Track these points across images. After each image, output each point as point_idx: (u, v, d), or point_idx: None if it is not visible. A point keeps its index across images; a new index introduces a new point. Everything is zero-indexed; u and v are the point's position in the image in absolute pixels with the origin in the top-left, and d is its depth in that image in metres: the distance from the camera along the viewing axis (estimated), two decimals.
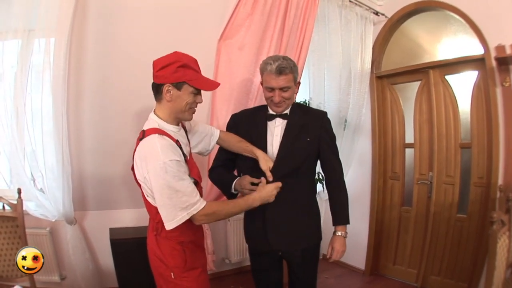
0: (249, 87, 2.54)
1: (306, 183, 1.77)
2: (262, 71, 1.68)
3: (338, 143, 1.85)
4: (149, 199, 1.41)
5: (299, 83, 1.76)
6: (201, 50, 2.54)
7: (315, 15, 2.55)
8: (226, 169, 1.82)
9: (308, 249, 1.77)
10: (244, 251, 3.25)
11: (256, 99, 2.52)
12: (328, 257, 1.74)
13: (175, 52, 1.39)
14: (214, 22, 2.52)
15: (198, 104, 1.46)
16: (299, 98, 3.16)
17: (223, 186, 1.80)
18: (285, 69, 1.60)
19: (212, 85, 1.43)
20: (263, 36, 2.47)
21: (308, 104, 3.04)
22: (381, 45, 3.30)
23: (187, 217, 1.31)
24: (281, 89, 1.63)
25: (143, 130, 1.39)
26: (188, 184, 1.31)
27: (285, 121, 1.72)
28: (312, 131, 1.71)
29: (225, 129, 1.85)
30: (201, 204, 1.33)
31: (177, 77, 1.34)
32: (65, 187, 2.28)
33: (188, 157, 1.47)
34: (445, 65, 2.84)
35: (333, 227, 1.75)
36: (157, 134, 1.32)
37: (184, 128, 1.58)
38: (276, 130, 1.72)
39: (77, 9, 2.12)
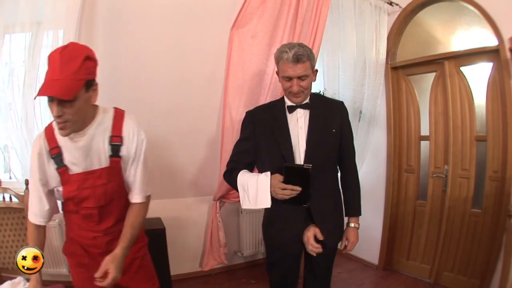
0: (262, 76, 2.48)
1: (334, 176, 1.73)
2: (278, 60, 1.59)
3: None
4: None
5: (317, 70, 1.66)
6: (213, 39, 2.53)
7: (328, 3, 2.47)
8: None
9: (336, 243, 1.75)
10: (257, 244, 3.21)
11: (270, 89, 2.47)
12: (342, 248, 1.74)
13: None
14: (226, 11, 2.48)
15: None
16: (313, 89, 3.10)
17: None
18: (302, 56, 1.51)
19: (46, 91, 1.08)
20: (276, 25, 2.41)
21: (323, 94, 2.98)
22: (395, 35, 3.22)
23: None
24: (299, 77, 1.54)
25: None
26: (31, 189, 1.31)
27: (307, 111, 1.63)
28: (335, 122, 1.66)
29: (239, 125, 1.78)
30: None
31: None
32: None
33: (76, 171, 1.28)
34: (460, 56, 2.75)
35: (346, 218, 1.75)
36: (41, 132, 1.29)
37: (113, 135, 1.31)
38: (300, 121, 1.62)
39: None
